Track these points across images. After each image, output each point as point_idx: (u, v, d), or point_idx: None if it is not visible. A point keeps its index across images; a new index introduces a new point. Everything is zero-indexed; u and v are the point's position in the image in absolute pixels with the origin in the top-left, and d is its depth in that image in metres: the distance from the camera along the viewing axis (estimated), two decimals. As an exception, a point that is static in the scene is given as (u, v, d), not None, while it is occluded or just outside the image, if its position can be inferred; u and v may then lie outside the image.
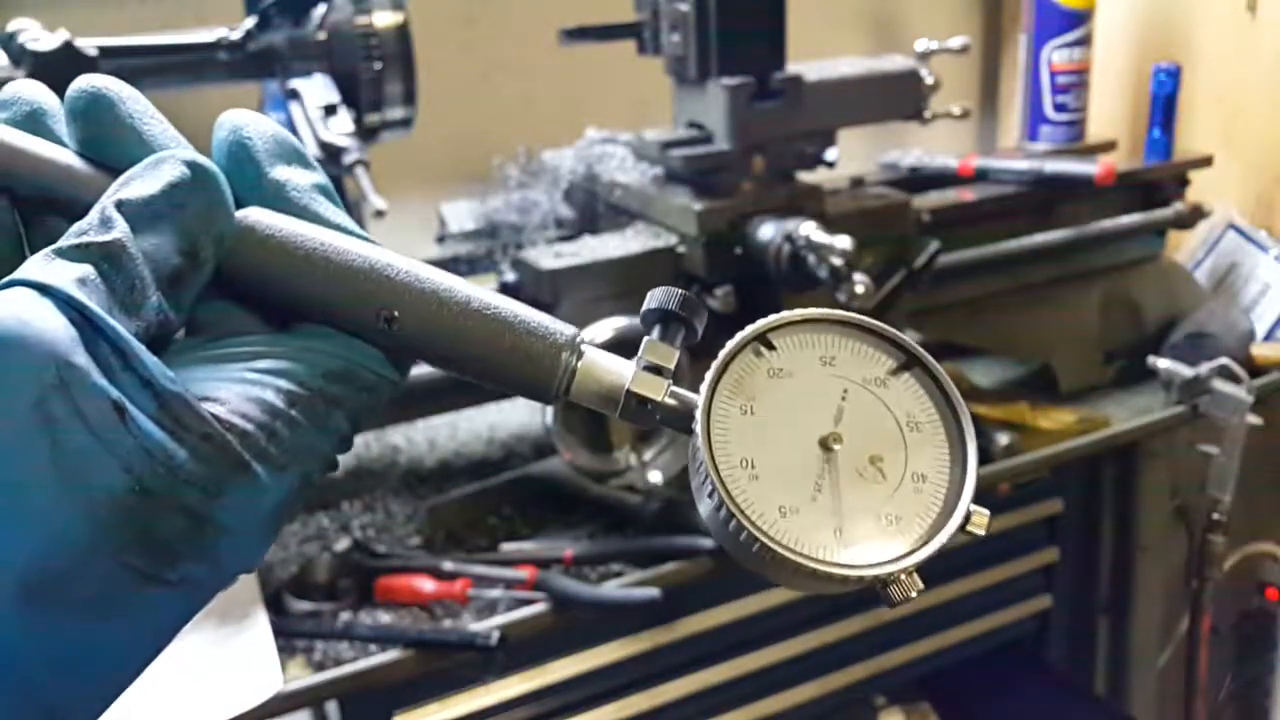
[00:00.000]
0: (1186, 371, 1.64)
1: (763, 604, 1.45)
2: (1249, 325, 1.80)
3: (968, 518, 0.41)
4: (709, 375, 0.42)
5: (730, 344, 0.43)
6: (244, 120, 0.42)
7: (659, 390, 0.42)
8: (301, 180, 0.42)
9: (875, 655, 1.61)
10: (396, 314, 0.40)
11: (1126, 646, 1.94)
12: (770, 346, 0.43)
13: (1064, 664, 1.94)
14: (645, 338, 0.43)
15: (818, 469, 0.41)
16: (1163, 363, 1.65)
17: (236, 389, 0.37)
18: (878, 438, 0.42)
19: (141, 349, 0.35)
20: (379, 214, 1.18)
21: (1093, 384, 1.74)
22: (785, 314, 0.44)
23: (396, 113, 1.34)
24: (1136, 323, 1.81)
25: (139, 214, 0.37)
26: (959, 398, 0.43)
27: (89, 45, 1.21)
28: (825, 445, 0.42)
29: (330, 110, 1.27)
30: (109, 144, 0.40)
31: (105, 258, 0.35)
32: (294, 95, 1.30)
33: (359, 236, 0.42)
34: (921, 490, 0.42)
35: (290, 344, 0.39)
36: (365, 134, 1.32)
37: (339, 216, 0.43)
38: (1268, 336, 1.87)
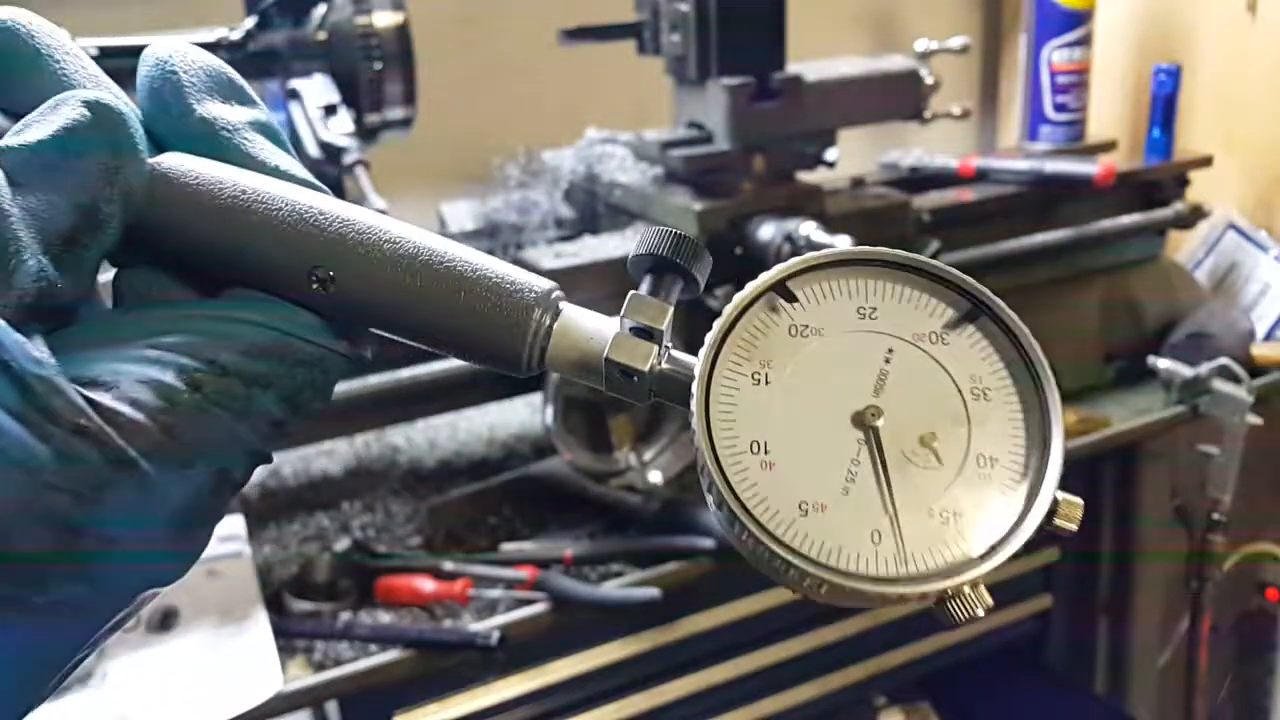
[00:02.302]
0: (1186, 371, 1.64)
1: (763, 604, 1.45)
2: (1249, 325, 1.80)
3: (1054, 508, 0.32)
4: (710, 336, 0.34)
5: (739, 295, 0.35)
6: (169, 52, 0.36)
7: (646, 358, 0.34)
8: (235, 117, 0.36)
9: (875, 655, 1.61)
10: (331, 273, 0.34)
11: (1126, 646, 1.94)
12: (791, 298, 0.35)
13: (1064, 664, 1.94)
14: (631, 292, 0.35)
15: (852, 453, 0.32)
16: (1163, 363, 1.65)
17: (130, 370, 0.31)
18: (931, 410, 0.33)
19: (1, 325, 0.28)
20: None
21: (1093, 384, 1.74)
22: (810, 255, 0.35)
23: (396, 113, 1.34)
24: (1136, 323, 1.81)
25: (25, 165, 0.31)
26: (1040, 355, 0.34)
27: (89, 45, 1.21)
28: (862, 422, 0.33)
29: (330, 110, 1.27)
30: (17, 84, 0.34)
31: None
32: (294, 95, 1.30)
33: (301, 182, 0.36)
34: (990, 476, 0.32)
35: (209, 313, 0.33)
36: (365, 134, 1.32)
37: (278, 157, 0.36)
38: (1268, 336, 1.87)
